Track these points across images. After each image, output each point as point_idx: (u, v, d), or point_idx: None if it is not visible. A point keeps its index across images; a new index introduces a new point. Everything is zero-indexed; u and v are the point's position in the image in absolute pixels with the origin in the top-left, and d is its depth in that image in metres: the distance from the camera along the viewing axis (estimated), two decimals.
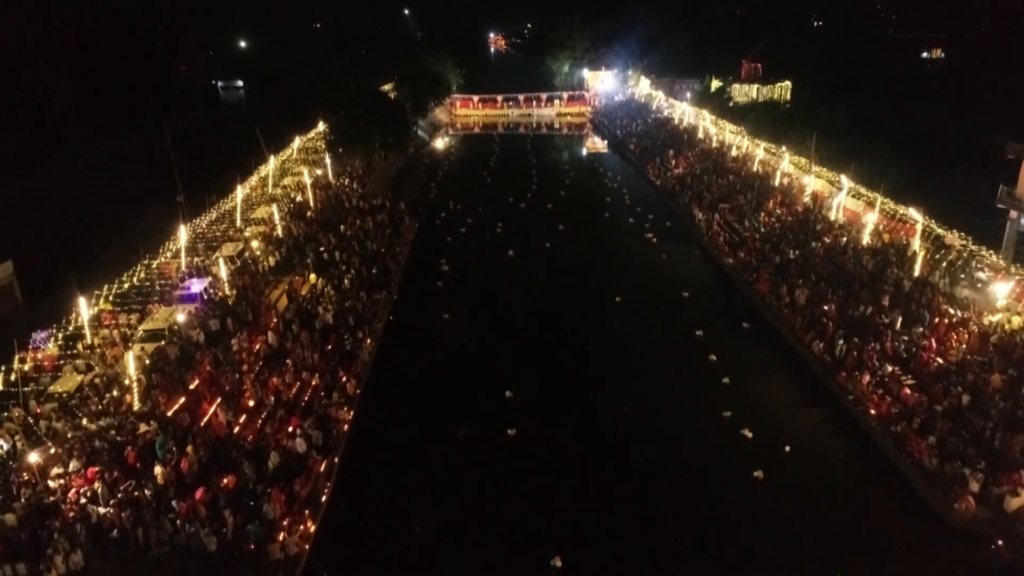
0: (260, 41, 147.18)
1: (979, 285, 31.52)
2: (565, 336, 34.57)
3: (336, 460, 24.25)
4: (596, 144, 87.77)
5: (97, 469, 21.23)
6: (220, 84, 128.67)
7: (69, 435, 22.57)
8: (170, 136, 48.67)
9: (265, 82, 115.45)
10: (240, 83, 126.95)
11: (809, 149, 50.93)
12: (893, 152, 49.78)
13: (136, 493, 20.61)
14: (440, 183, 68.09)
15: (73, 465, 21.49)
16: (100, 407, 24.38)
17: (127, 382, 25.20)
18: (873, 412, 25.58)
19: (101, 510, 19.91)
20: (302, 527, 20.70)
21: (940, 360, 27.30)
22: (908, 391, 25.65)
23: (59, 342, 28.28)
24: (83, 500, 20.33)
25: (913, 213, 36.66)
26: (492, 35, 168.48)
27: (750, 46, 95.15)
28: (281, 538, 19.90)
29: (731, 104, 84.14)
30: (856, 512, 22.13)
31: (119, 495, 20.54)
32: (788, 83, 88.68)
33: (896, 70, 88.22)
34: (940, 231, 35.90)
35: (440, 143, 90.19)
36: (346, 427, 25.98)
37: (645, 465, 24.80)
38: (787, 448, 25.10)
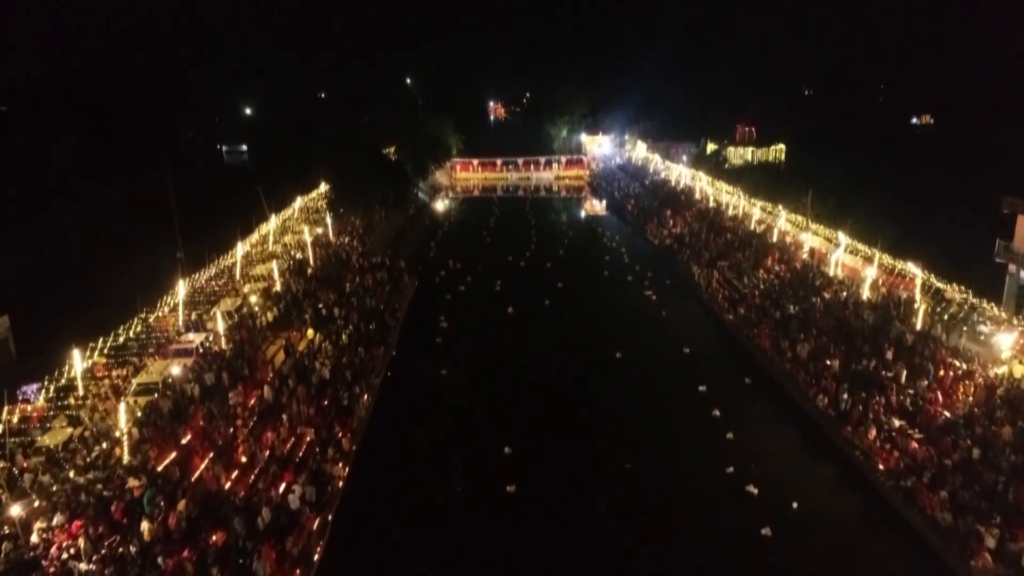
0: (264, 110, 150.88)
1: (981, 338, 31.28)
2: (565, 392, 34.07)
3: (330, 517, 23.50)
4: (594, 206, 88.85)
5: (81, 524, 20.50)
6: (225, 148, 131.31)
7: (54, 488, 21.90)
8: (173, 193, 49.18)
9: (269, 147, 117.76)
10: (244, 147, 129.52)
11: (805, 207, 51.48)
12: (890, 204, 50.28)
13: (120, 549, 19.83)
14: (440, 242, 68.61)
15: (57, 519, 20.75)
16: (88, 460, 23.74)
17: (117, 435, 24.64)
18: (881, 467, 24.98)
19: (83, 567, 19.10)
20: None
21: (947, 413, 26.83)
22: (916, 445, 25.12)
23: (50, 395, 27.79)
24: (65, 556, 19.53)
25: (911, 267, 36.74)
26: (492, 103, 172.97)
27: (743, 110, 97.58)
28: None
29: (726, 166, 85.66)
30: (870, 570, 21.35)
31: (103, 551, 19.76)
32: (782, 146, 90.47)
33: (887, 135, 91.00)
34: (940, 284, 35.87)
35: (440, 205, 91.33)
36: (341, 483, 25.29)
37: (648, 523, 24.03)
38: (794, 504, 24.39)
